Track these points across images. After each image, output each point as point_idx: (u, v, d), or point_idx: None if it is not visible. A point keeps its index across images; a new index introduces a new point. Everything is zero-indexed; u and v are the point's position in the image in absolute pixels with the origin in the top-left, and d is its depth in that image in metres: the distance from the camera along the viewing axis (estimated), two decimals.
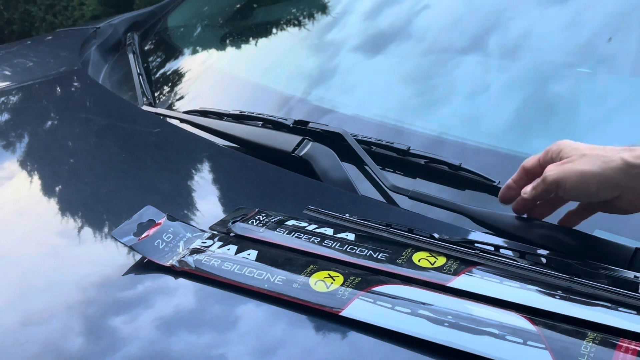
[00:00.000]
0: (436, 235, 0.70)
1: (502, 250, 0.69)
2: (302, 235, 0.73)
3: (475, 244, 0.69)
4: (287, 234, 0.74)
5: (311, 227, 0.75)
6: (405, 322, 0.59)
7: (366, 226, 0.74)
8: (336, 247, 0.71)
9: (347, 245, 0.71)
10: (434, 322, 0.59)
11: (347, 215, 0.76)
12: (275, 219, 0.77)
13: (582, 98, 0.91)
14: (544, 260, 0.68)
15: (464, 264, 0.66)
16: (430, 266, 0.66)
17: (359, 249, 0.70)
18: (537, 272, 0.64)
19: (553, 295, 0.61)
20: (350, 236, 0.73)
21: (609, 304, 0.59)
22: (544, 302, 0.60)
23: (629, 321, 0.57)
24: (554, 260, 0.67)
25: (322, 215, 0.77)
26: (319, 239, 0.72)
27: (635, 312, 0.58)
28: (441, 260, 0.67)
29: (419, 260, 0.67)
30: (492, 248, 0.69)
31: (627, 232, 0.73)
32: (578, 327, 0.57)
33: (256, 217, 0.78)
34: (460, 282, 0.64)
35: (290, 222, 0.76)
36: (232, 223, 0.77)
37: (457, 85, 1.02)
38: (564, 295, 0.61)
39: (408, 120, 0.99)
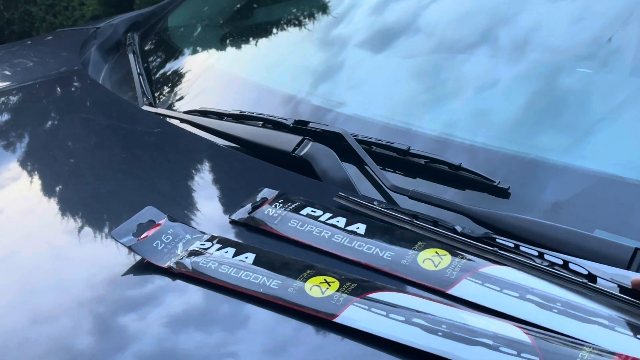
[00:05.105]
0: (458, 229, 0.71)
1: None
2: (314, 228, 0.74)
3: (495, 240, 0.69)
4: (299, 226, 0.75)
5: (324, 217, 0.76)
6: (399, 331, 0.59)
7: (390, 216, 0.75)
8: (345, 242, 0.72)
9: (355, 242, 0.72)
10: (428, 330, 0.59)
11: (375, 203, 0.77)
12: (293, 206, 0.79)
13: (582, 98, 0.91)
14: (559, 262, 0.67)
15: (467, 268, 0.66)
16: (434, 268, 0.66)
17: (366, 246, 0.71)
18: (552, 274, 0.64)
19: (551, 309, 0.60)
20: (362, 229, 0.73)
21: (606, 322, 0.58)
22: (540, 317, 0.60)
23: (625, 344, 0.56)
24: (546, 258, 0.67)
25: (350, 204, 0.78)
26: (330, 233, 0.73)
27: (631, 334, 0.57)
28: (445, 262, 0.67)
29: (423, 261, 0.67)
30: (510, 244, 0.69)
31: (627, 232, 0.73)
32: (574, 341, 0.56)
33: (273, 204, 0.79)
34: (460, 290, 0.64)
35: (306, 211, 0.77)
36: (253, 210, 0.79)
37: (457, 85, 1.02)
38: (562, 309, 0.60)
39: (408, 120, 0.99)
